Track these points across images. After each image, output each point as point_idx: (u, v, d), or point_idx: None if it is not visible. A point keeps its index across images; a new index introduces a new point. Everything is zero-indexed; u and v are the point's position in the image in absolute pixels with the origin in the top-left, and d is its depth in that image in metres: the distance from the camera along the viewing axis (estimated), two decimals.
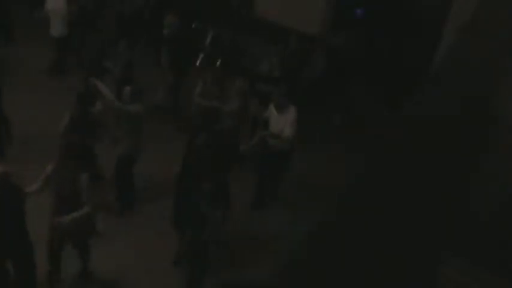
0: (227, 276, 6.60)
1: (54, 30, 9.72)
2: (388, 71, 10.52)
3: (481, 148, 2.78)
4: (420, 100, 2.82)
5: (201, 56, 11.32)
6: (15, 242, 5.45)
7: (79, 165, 5.56)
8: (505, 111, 3.20)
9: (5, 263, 5.56)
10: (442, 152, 2.30)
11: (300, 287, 1.52)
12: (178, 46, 9.15)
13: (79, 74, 9.32)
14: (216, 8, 11.33)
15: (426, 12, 10.24)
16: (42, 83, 9.73)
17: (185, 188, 6.21)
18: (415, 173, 2.12)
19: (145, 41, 10.98)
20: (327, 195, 6.85)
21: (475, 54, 3.50)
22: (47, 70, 10.06)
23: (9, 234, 5.35)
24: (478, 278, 2.33)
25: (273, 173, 7.83)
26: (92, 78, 7.15)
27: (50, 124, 7.49)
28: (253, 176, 7.94)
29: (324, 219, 1.79)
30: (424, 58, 9.49)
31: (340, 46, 9.97)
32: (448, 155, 2.29)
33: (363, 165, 2.17)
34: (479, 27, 3.94)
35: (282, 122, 7.18)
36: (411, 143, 2.31)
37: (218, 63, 10.86)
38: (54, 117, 7.33)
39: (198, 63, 11.19)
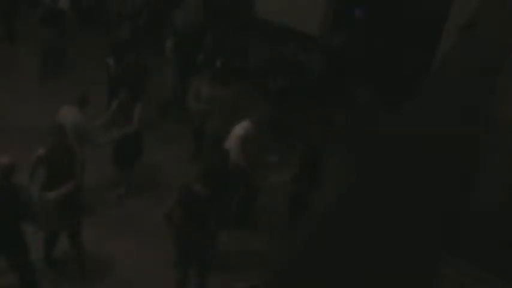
0: (226, 277, 6.60)
1: None
2: (387, 71, 10.52)
3: (481, 148, 2.77)
4: (420, 100, 2.82)
5: (201, 56, 11.29)
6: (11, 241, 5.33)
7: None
8: (505, 112, 3.20)
9: None
10: (441, 152, 2.30)
11: (299, 286, 1.53)
12: (189, 43, 9.10)
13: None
14: (217, 7, 11.32)
15: (426, 12, 10.24)
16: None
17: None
18: (414, 173, 2.12)
19: (146, 42, 10.94)
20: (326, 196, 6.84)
21: (475, 54, 3.50)
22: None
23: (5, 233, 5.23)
24: (478, 278, 2.34)
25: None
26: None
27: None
28: None
29: (323, 219, 1.79)
30: (424, 58, 9.49)
31: (340, 46, 9.96)
32: (448, 155, 2.29)
33: (362, 165, 2.17)
34: (479, 27, 3.94)
35: None
36: (411, 143, 2.32)
37: (218, 63, 10.82)
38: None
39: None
